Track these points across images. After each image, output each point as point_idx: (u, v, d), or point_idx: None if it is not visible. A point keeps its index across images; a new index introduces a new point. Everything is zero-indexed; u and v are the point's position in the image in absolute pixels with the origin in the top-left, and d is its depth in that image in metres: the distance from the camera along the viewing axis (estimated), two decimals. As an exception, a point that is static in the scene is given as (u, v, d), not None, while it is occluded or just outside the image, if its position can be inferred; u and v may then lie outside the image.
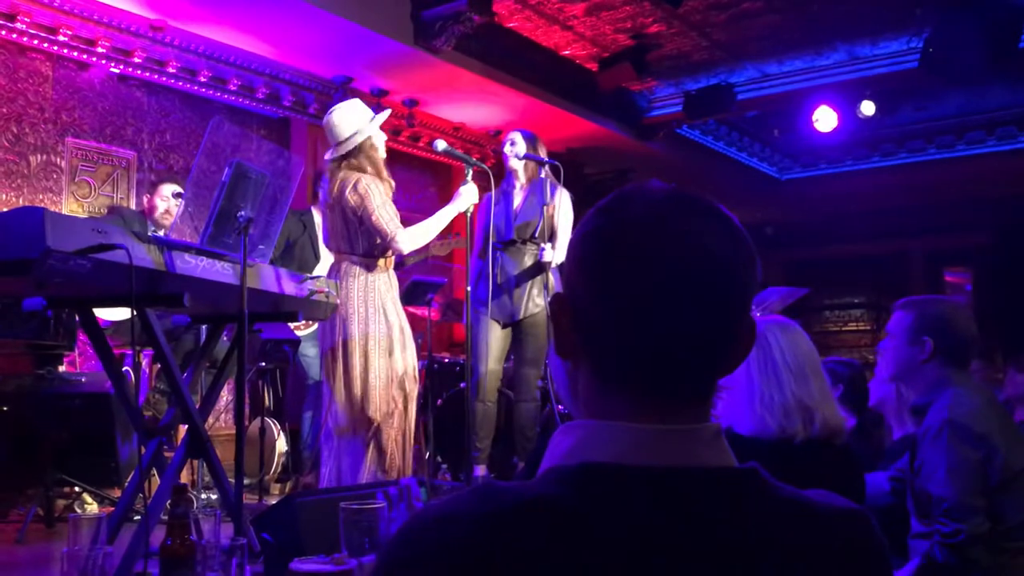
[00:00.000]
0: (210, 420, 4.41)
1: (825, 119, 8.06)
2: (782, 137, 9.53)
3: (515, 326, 4.83)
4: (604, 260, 0.87)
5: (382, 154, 3.92)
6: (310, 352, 5.29)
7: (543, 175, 4.79)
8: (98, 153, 5.86)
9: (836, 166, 10.27)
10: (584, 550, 0.76)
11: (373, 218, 3.72)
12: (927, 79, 7.29)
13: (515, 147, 4.87)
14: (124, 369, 4.07)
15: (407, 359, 3.83)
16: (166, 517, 1.93)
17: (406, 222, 3.86)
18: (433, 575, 0.76)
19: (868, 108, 7.91)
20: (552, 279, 4.68)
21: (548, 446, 0.89)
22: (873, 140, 9.63)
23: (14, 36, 5.26)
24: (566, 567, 0.75)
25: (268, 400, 5.68)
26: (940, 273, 11.52)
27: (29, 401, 4.21)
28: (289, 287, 3.25)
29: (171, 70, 5.94)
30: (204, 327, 3.96)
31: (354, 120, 3.82)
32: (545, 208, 4.69)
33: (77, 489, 4.20)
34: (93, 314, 2.85)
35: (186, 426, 3.03)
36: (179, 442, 3.10)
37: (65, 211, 5.52)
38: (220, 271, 2.87)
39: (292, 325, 5.23)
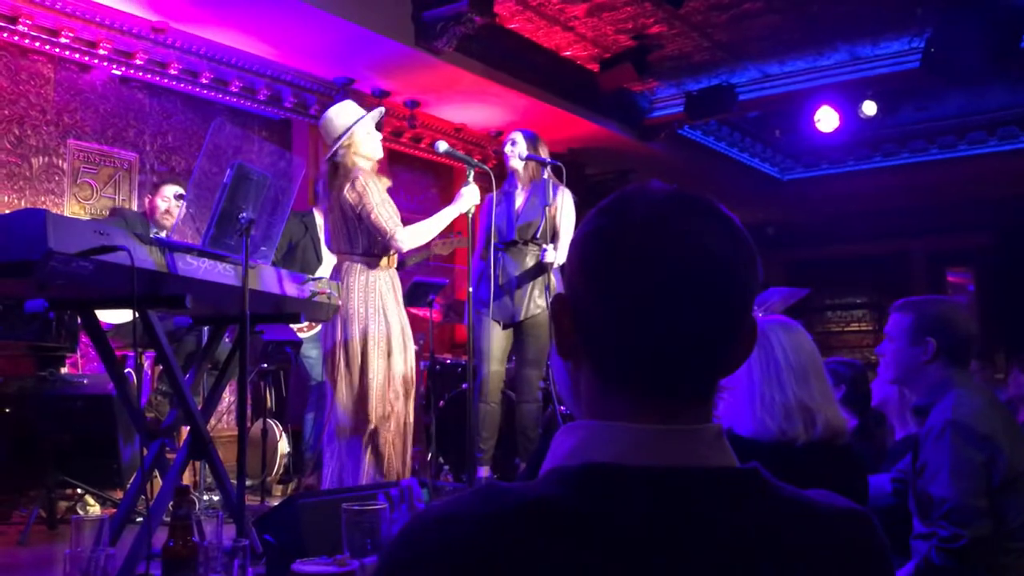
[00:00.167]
0: (212, 422, 4.41)
1: (826, 119, 8.06)
2: (783, 137, 9.53)
3: (516, 327, 4.83)
4: (605, 260, 0.87)
5: (378, 152, 3.92)
6: (312, 354, 5.29)
7: (545, 176, 4.79)
8: (100, 155, 5.86)
9: (838, 166, 10.27)
10: (586, 550, 0.76)
11: (372, 216, 3.72)
12: (928, 79, 7.29)
13: (516, 147, 4.87)
14: (126, 371, 4.07)
15: (406, 361, 3.82)
16: (168, 519, 1.93)
17: (407, 223, 3.86)
18: (435, 575, 0.76)
19: (870, 108, 7.91)
20: (554, 280, 4.68)
21: (550, 447, 0.89)
22: (875, 140, 9.63)
23: (16, 38, 5.26)
24: (568, 567, 0.75)
25: (270, 401, 5.68)
26: (942, 273, 11.52)
27: (31, 403, 4.21)
28: (291, 288, 3.25)
29: (173, 72, 5.94)
30: (206, 329, 3.96)
31: (345, 119, 3.84)
32: (547, 209, 4.69)
33: (79, 491, 4.20)
34: (95, 316, 2.85)
35: (188, 427, 3.03)
36: (181, 444, 3.10)
37: (67, 213, 5.52)
38: (222, 272, 2.87)
39: (295, 327, 5.23)
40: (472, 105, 7.21)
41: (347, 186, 3.75)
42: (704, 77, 7.78)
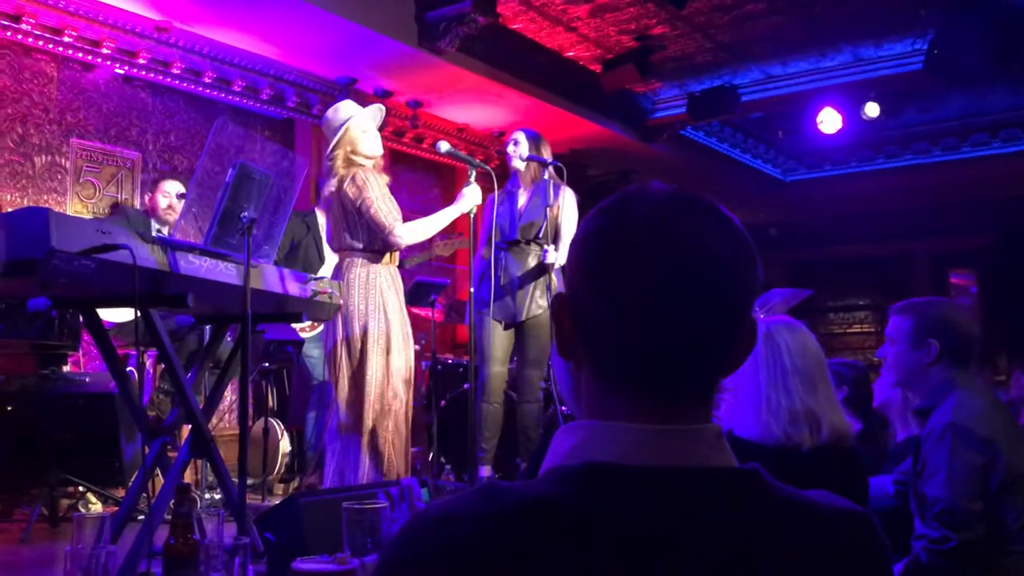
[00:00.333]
0: (214, 420, 4.41)
1: (829, 121, 8.06)
2: (786, 139, 9.53)
3: (518, 327, 4.83)
4: (605, 261, 0.87)
5: (377, 150, 3.91)
6: (314, 353, 5.30)
7: (546, 176, 4.79)
8: (103, 154, 5.87)
9: (840, 168, 10.27)
10: (586, 550, 0.76)
11: (372, 210, 3.72)
12: (931, 81, 7.28)
13: (518, 147, 4.87)
14: (128, 369, 4.07)
15: (405, 359, 3.82)
16: (170, 517, 1.93)
17: (409, 222, 3.86)
18: (435, 575, 0.76)
19: (872, 110, 7.91)
20: (555, 280, 4.68)
21: (550, 446, 0.89)
22: (877, 142, 9.63)
23: (19, 37, 5.27)
24: (568, 567, 0.75)
25: (272, 401, 5.68)
26: (945, 275, 11.50)
27: (33, 401, 4.22)
28: (293, 288, 3.26)
29: (175, 71, 5.95)
30: (208, 328, 3.97)
31: (341, 116, 3.86)
32: (548, 210, 4.69)
33: (81, 489, 4.21)
34: (97, 314, 2.86)
35: (190, 426, 3.03)
36: (183, 442, 3.11)
37: (69, 212, 5.53)
38: (224, 272, 2.87)
39: (298, 327, 5.24)
40: (475, 105, 7.22)
41: (347, 180, 3.76)
42: (707, 78, 7.78)
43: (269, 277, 3.14)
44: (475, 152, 7.74)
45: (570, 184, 4.92)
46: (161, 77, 5.97)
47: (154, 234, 4.29)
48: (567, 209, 4.83)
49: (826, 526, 0.84)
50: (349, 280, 3.75)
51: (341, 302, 3.60)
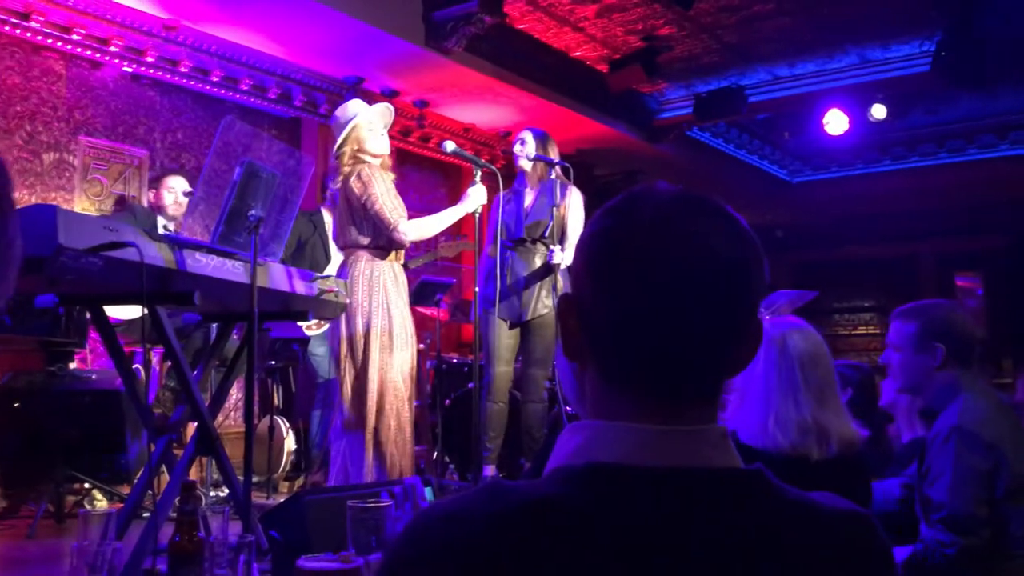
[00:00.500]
0: (219, 418, 4.42)
1: (836, 122, 8.04)
2: (793, 140, 9.51)
3: (523, 327, 4.83)
4: (610, 261, 0.88)
5: (383, 149, 3.91)
6: (320, 351, 5.31)
7: (553, 176, 4.78)
8: (110, 151, 5.88)
9: (846, 169, 10.25)
10: (589, 550, 0.76)
11: (376, 205, 3.72)
12: (939, 83, 7.27)
13: (525, 147, 4.87)
14: (134, 367, 4.09)
15: (406, 358, 3.82)
16: (175, 514, 1.94)
17: (414, 219, 3.87)
18: (439, 574, 0.77)
19: (879, 111, 7.89)
20: (561, 280, 4.68)
21: (554, 446, 0.89)
22: (884, 143, 9.61)
23: (28, 35, 5.29)
24: (571, 567, 0.76)
25: (277, 399, 5.69)
26: (951, 277, 11.46)
27: (40, 398, 4.23)
28: (299, 286, 3.26)
29: (183, 69, 5.97)
30: (214, 325, 3.98)
31: (349, 113, 3.87)
32: (555, 210, 4.69)
33: (87, 485, 4.22)
34: (104, 312, 2.86)
35: (195, 424, 3.04)
36: (188, 440, 3.12)
37: (77, 209, 5.54)
38: (230, 270, 2.88)
39: (304, 325, 5.25)
40: (481, 105, 7.22)
41: (352, 177, 3.77)
42: (713, 79, 7.77)
43: (276, 275, 3.15)
44: (481, 152, 7.74)
45: (576, 184, 4.92)
46: (169, 75, 5.99)
47: (160, 231, 4.32)
48: (573, 209, 4.82)
49: (829, 527, 0.84)
50: (353, 277, 3.76)
51: (347, 300, 3.61)
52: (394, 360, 3.76)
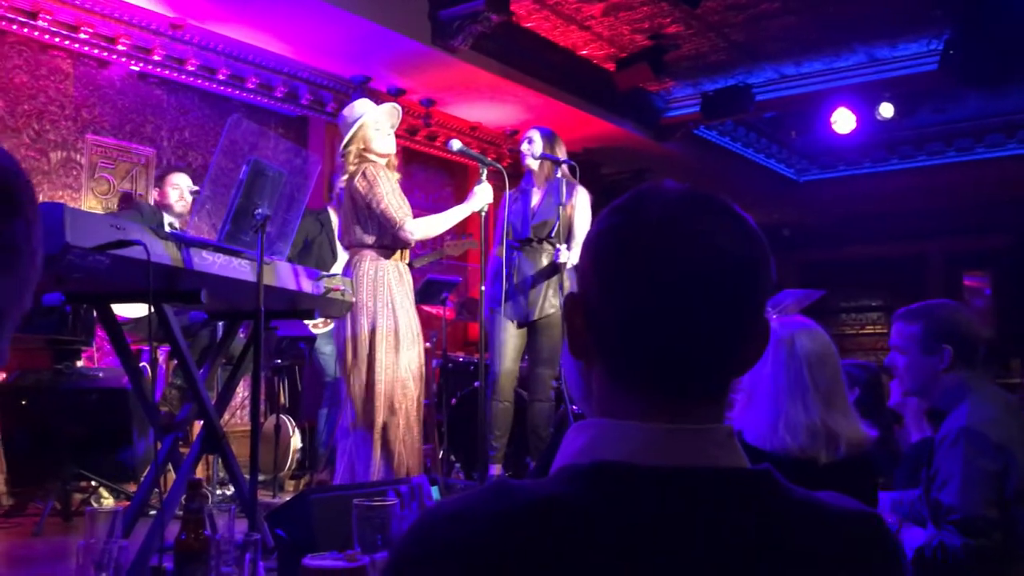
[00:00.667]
0: (226, 416, 4.43)
1: (843, 121, 8.02)
2: (800, 138, 9.49)
3: (530, 326, 4.83)
4: (617, 259, 0.87)
5: (389, 148, 3.90)
6: (327, 350, 5.31)
7: (559, 175, 4.78)
8: (117, 150, 5.90)
9: (854, 168, 10.22)
10: (595, 549, 0.76)
11: (382, 205, 3.72)
12: (946, 81, 7.24)
13: (532, 146, 4.86)
14: (141, 365, 4.09)
15: (415, 356, 3.82)
16: (181, 512, 1.94)
17: (419, 218, 3.87)
18: (444, 573, 0.76)
19: (887, 110, 7.87)
20: (568, 280, 4.67)
21: (561, 445, 0.89)
22: (891, 142, 9.58)
23: (36, 34, 5.31)
24: (577, 566, 0.75)
25: (283, 397, 5.70)
26: (959, 276, 11.43)
27: (47, 396, 4.24)
28: (305, 284, 3.26)
29: (190, 68, 5.98)
30: (220, 324, 3.98)
31: (356, 112, 3.86)
32: (561, 209, 4.68)
33: (94, 483, 4.23)
34: (111, 310, 2.87)
35: (202, 422, 3.05)
36: (195, 438, 3.12)
37: (84, 208, 5.56)
38: (237, 268, 2.88)
39: (310, 323, 5.26)
40: (487, 104, 7.22)
41: (358, 176, 3.77)
42: (720, 77, 7.75)
43: (282, 274, 3.15)
44: (487, 150, 7.74)
45: (583, 183, 4.91)
46: (176, 74, 6.00)
47: (167, 228, 4.32)
48: (580, 208, 4.82)
49: (837, 528, 0.84)
50: (358, 276, 3.76)
51: (353, 299, 3.61)
52: (401, 359, 3.76)
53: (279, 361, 5.47)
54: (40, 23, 5.23)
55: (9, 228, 0.73)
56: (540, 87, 6.97)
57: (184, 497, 1.91)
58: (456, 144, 4.22)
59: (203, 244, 2.79)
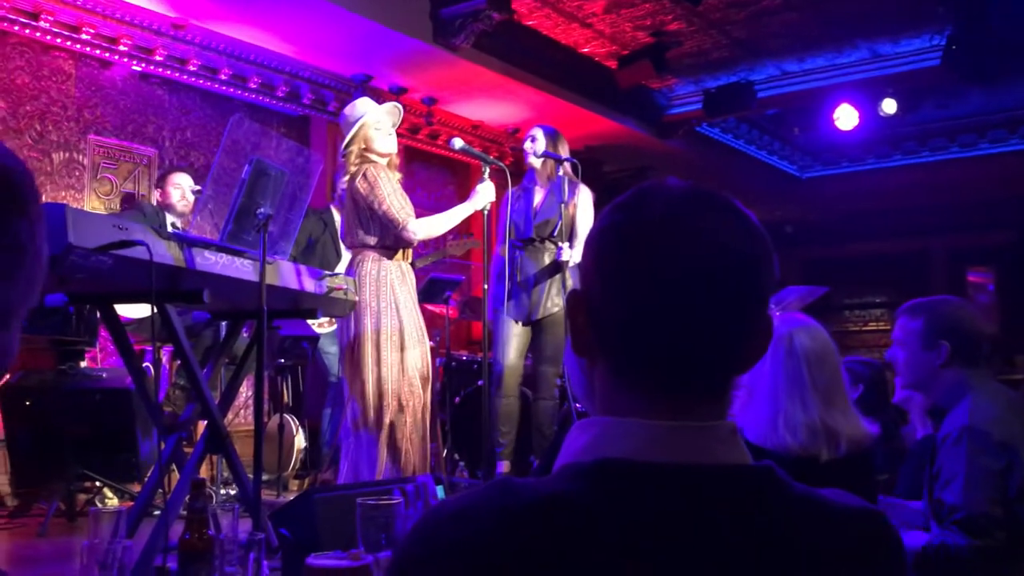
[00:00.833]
0: (229, 416, 4.43)
1: (846, 117, 8.00)
2: (803, 135, 9.48)
3: (534, 324, 4.82)
4: (619, 256, 0.87)
5: (390, 148, 3.90)
6: (331, 349, 5.31)
7: (561, 173, 4.77)
8: (119, 150, 5.90)
9: (857, 164, 10.20)
10: (599, 547, 0.76)
11: (384, 206, 3.71)
12: (949, 77, 7.23)
13: (536, 144, 4.86)
14: (144, 365, 4.09)
15: (421, 355, 3.81)
16: (185, 512, 1.94)
17: (422, 218, 3.86)
18: (448, 572, 0.76)
19: (889, 106, 7.85)
20: (571, 279, 4.67)
21: (564, 443, 0.89)
22: (895, 138, 9.56)
23: (37, 35, 5.31)
24: (582, 563, 0.75)
25: (287, 397, 5.71)
26: (962, 273, 11.40)
27: (51, 396, 4.25)
28: (308, 284, 3.26)
29: (192, 68, 5.98)
30: (224, 324, 3.98)
31: (357, 112, 3.86)
32: (563, 207, 4.67)
33: (98, 484, 4.23)
34: (114, 310, 2.87)
35: (205, 422, 3.05)
36: (199, 438, 3.12)
37: (87, 208, 5.56)
38: (239, 268, 2.88)
39: (315, 323, 5.26)
40: (489, 102, 7.21)
41: (358, 177, 3.76)
42: (723, 74, 7.74)
43: (285, 273, 3.15)
44: (490, 149, 7.74)
45: (585, 181, 4.90)
46: (177, 74, 6.00)
47: (169, 228, 4.33)
48: (583, 207, 4.81)
49: (840, 524, 0.84)
50: (360, 276, 3.75)
51: (356, 298, 3.61)
52: (407, 358, 3.75)
53: (282, 361, 5.47)
54: (42, 24, 5.24)
55: (14, 227, 0.74)
56: (542, 85, 6.97)
57: (188, 497, 1.92)
58: (458, 142, 4.21)
59: (205, 244, 2.79)
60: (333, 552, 1.78)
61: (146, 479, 3.85)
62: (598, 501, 0.78)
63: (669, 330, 0.85)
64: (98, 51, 5.59)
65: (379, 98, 4.50)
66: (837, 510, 0.85)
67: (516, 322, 4.80)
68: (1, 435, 4.44)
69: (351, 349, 3.77)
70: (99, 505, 4.16)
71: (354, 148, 3.84)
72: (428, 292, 5.42)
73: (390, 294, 3.76)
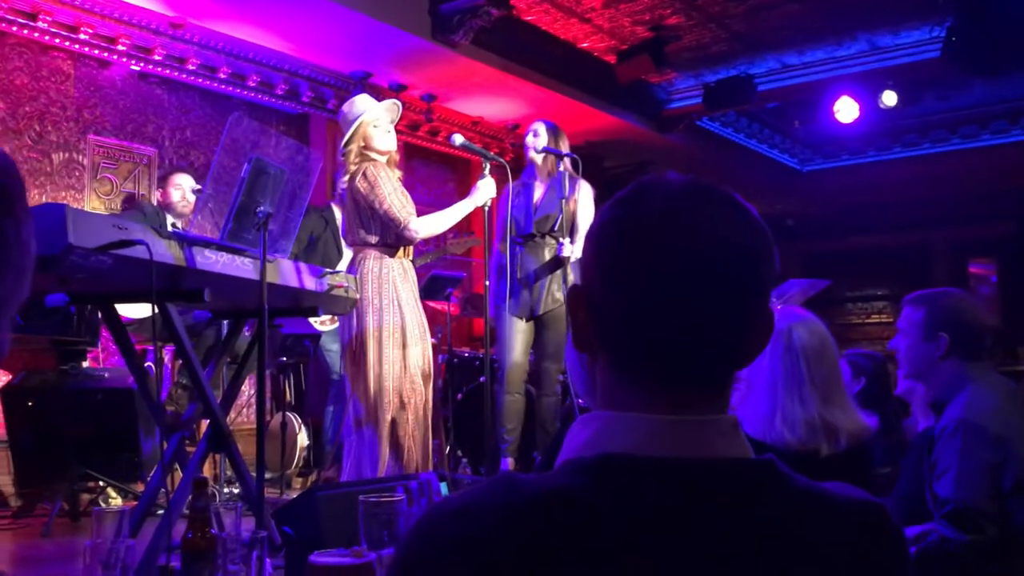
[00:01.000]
0: (232, 415, 4.44)
1: (846, 110, 7.98)
2: (803, 128, 9.46)
3: (536, 321, 4.82)
4: (619, 251, 0.87)
5: (390, 146, 3.89)
6: (333, 347, 5.32)
7: (561, 169, 4.77)
8: (119, 150, 5.90)
9: (858, 157, 10.18)
10: (600, 541, 0.76)
11: (385, 206, 3.71)
12: (950, 68, 7.21)
13: (538, 139, 4.85)
14: (146, 364, 4.09)
15: (423, 352, 3.81)
16: (188, 511, 1.94)
17: (423, 216, 3.86)
18: (451, 568, 0.76)
19: (890, 98, 7.83)
20: (572, 274, 4.66)
21: (565, 438, 0.89)
22: (895, 130, 9.54)
23: (36, 35, 5.30)
24: (582, 558, 0.75)
25: (289, 395, 5.71)
26: (964, 264, 11.39)
27: (53, 396, 4.25)
28: (309, 282, 3.26)
29: (191, 67, 5.98)
30: (225, 322, 3.98)
31: (356, 110, 3.85)
32: (564, 203, 4.67)
33: (102, 484, 4.24)
34: (115, 310, 2.87)
35: (208, 421, 3.05)
36: (201, 437, 3.12)
37: (87, 208, 5.57)
38: (240, 266, 2.88)
39: (317, 321, 5.26)
40: (489, 98, 7.21)
41: (358, 176, 3.75)
42: (722, 68, 7.72)
43: (285, 271, 3.14)
44: (490, 145, 7.73)
45: (586, 176, 4.90)
46: (176, 73, 6.00)
47: (169, 228, 4.33)
48: (583, 203, 4.80)
49: (841, 517, 0.84)
50: (362, 274, 3.75)
51: (357, 296, 3.61)
52: (409, 355, 3.75)
53: (284, 359, 5.47)
54: (40, 24, 5.23)
55: (0, 223, 0.75)
56: (541, 81, 6.96)
57: (191, 496, 1.92)
58: (458, 138, 4.20)
59: (205, 243, 2.79)
60: (336, 550, 1.78)
61: (149, 478, 3.85)
62: (600, 496, 0.78)
63: (669, 324, 0.84)
64: (97, 51, 5.59)
65: (378, 95, 4.49)
66: (838, 503, 0.85)
67: (519, 319, 4.80)
68: (4, 436, 4.44)
69: (353, 346, 3.77)
70: (103, 505, 4.16)
71: (353, 146, 3.83)
72: (430, 289, 5.42)
73: (392, 291, 3.76)
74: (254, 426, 4.34)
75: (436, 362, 5.80)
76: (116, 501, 4.28)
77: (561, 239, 4.68)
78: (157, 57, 5.79)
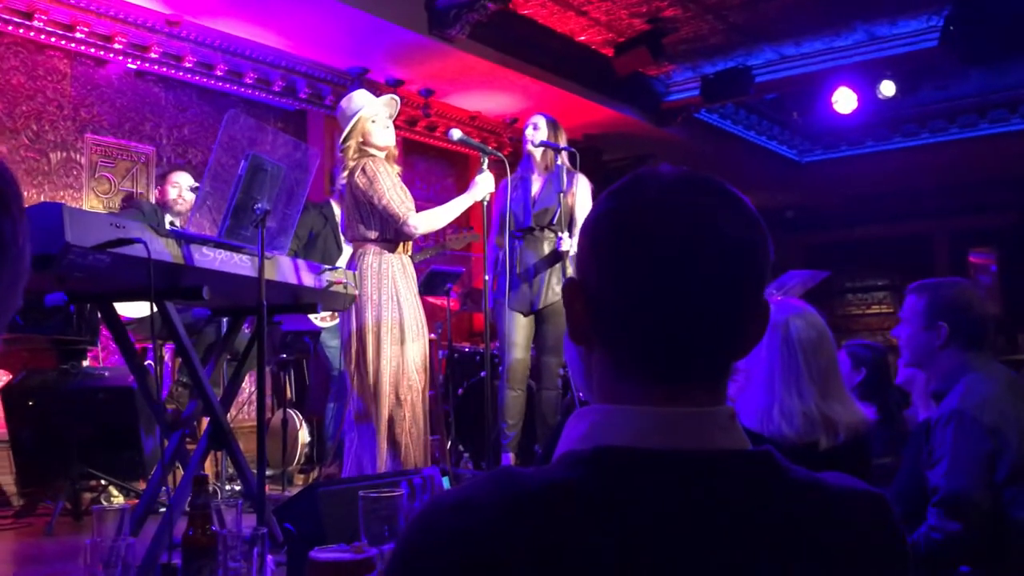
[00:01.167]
0: (232, 412, 4.44)
1: (844, 100, 7.97)
2: (801, 119, 9.44)
3: (536, 315, 4.83)
4: (615, 242, 0.87)
5: (388, 141, 3.89)
6: (333, 343, 5.32)
7: (559, 162, 4.76)
8: (117, 149, 5.89)
9: (857, 148, 10.16)
10: (599, 533, 0.76)
11: (384, 201, 3.71)
12: (948, 58, 7.19)
13: (537, 132, 4.85)
14: (147, 363, 4.09)
15: (419, 348, 3.81)
16: (189, 508, 1.94)
17: (422, 211, 3.85)
18: (449, 562, 0.76)
19: (888, 88, 7.81)
20: (571, 268, 4.66)
21: (563, 431, 0.89)
22: (894, 121, 9.52)
23: (32, 34, 5.30)
24: (581, 551, 0.75)
25: (290, 391, 5.71)
26: (964, 254, 11.38)
27: (54, 396, 4.26)
28: (307, 278, 3.26)
29: (187, 65, 5.97)
30: (224, 320, 3.98)
31: (354, 106, 3.85)
32: (562, 196, 4.67)
33: (103, 482, 4.24)
34: (114, 309, 2.87)
35: (208, 418, 3.05)
36: (202, 434, 3.12)
37: (85, 207, 5.56)
38: (238, 264, 2.88)
39: (317, 317, 5.26)
40: (486, 92, 7.19)
41: (357, 171, 3.75)
42: (720, 60, 7.71)
43: (284, 268, 3.14)
44: (488, 139, 7.72)
45: (584, 170, 4.90)
46: (173, 71, 5.99)
47: (167, 226, 4.32)
48: (581, 196, 4.80)
49: (840, 508, 0.84)
50: (362, 270, 3.76)
51: (356, 292, 3.61)
52: (407, 351, 3.76)
53: (284, 356, 5.47)
54: (36, 23, 5.23)
55: None
56: (539, 74, 6.95)
57: (191, 493, 1.92)
58: (457, 133, 4.20)
59: (203, 240, 2.79)
60: (337, 545, 1.78)
61: (150, 477, 3.86)
62: (598, 488, 0.78)
63: (665, 315, 0.84)
64: (93, 49, 5.58)
65: (376, 91, 4.49)
66: (837, 493, 0.84)
67: (519, 313, 4.80)
68: (5, 435, 4.44)
69: (352, 342, 3.77)
70: (104, 503, 4.17)
71: (352, 142, 3.83)
72: (429, 284, 5.42)
73: (391, 287, 3.76)
74: (255, 423, 4.34)
75: (437, 357, 5.81)
76: (118, 499, 4.28)
77: (560, 233, 4.68)
78: (154, 55, 5.79)
